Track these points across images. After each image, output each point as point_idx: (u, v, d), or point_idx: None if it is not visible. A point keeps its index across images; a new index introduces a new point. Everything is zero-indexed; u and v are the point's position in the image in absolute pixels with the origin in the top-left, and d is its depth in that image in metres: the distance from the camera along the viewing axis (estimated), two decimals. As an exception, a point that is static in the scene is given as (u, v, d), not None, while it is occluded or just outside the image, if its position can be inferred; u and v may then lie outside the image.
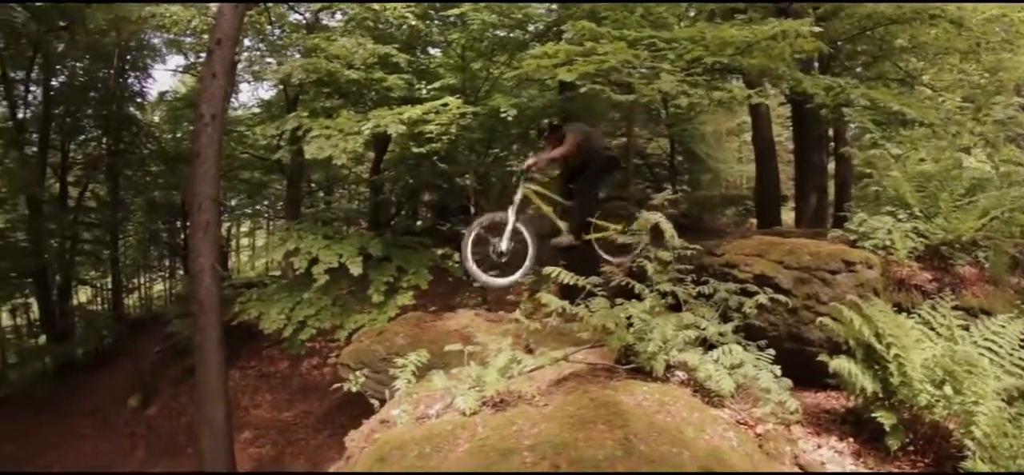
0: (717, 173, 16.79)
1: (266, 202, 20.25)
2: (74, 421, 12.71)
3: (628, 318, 4.20)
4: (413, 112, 8.05)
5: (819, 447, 3.83)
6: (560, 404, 3.52)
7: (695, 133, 15.54)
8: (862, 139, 10.09)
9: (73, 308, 17.72)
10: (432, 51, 12.04)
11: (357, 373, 6.03)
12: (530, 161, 6.60)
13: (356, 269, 8.34)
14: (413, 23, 9.75)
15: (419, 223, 15.55)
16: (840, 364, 3.81)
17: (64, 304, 17.09)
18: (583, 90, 7.27)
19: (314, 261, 8.42)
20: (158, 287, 22.04)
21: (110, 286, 19.24)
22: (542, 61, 6.90)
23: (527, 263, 6.49)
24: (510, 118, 8.92)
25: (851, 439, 3.91)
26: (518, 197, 6.46)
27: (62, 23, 15.83)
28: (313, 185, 18.38)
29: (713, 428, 3.32)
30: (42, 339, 17.04)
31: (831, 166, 11.61)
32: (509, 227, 6.37)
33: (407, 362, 4.80)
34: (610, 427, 3.06)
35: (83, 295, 19.71)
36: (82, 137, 18.42)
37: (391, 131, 8.02)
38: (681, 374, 4.20)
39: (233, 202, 19.12)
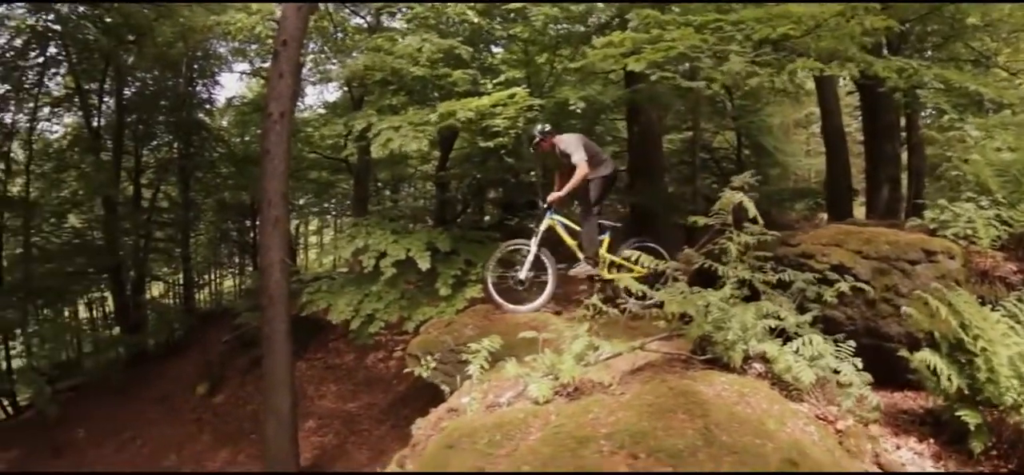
0: (785, 167, 16.36)
1: (333, 201, 20.69)
2: (144, 406, 13.21)
3: (706, 306, 4.08)
4: (481, 102, 8.10)
5: (898, 447, 3.67)
6: (637, 393, 3.43)
7: (762, 125, 15.14)
8: (937, 123, 9.73)
9: (146, 302, 18.60)
10: (495, 49, 12.04)
11: (426, 359, 6.07)
12: (553, 196, 6.80)
13: (424, 263, 8.35)
14: (475, 20, 9.79)
15: (486, 219, 15.53)
16: (923, 358, 3.63)
17: (137, 298, 17.93)
18: (654, 78, 6.98)
19: (382, 255, 8.45)
20: (228, 283, 22.87)
21: (181, 282, 20.08)
22: (609, 50, 6.81)
23: (547, 291, 6.72)
24: (579, 110, 8.87)
25: (932, 439, 3.73)
26: (542, 228, 6.78)
27: (131, 36, 16.45)
28: (379, 184, 18.64)
29: (793, 421, 3.22)
30: (116, 331, 17.87)
31: (903, 157, 11.20)
32: (531, 256, 6.67)
33: (480, 347, 4.79)
34: (690, 416, 2.99)
35: (156, 290, 20.65)
36: (154, 143, 19.23)
37: (460, 117, 8.09)
38: (758, 366, 4.05)
39: (301, 201, 19.69)
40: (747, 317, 3.98)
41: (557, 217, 6.87)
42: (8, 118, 16.94)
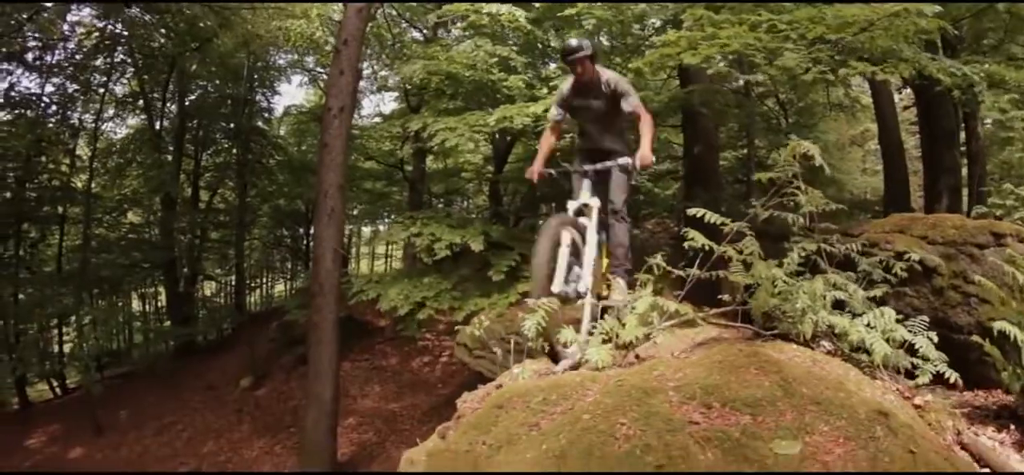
0: (841, 185, 15.83)
1: (387, 211, 20.96)
2: (188, 395, 13.54)
3: (773, 279, 3.86)
4: (536, 108, 8.12)
5: (976, 435, 3.51)
6: (706, 354, 3.30)
7: (817, 142, 14.85)
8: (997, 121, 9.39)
9: (197, 299, 19.06)
10: (550, 64, 12.06)
11: (474, 351, 6.02)
12: (641, 157, 4.64)
13: (477, 245, 8.35)
14: (527, 27, 9.80)
15: (540, 222, 15.27)
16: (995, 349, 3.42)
17: (189, 294, 18.45)
18: (710, 71, 6.87)
19: (436, 240, 8.39)
20: (279, 288, 23.33)
21: (233, 283, 20.51)
22: (665, 50, 6.77)
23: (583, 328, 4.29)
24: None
25: (1012, 427, 3.44)
26: (593, 206, 4.75)
27: (195, 44, 17.01)
28: (433, 197, 18.74)
29: (871, 388, 3.08)
30: (166, 324, 18.34)
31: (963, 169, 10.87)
32: (589, 250, 4.50)
33: (537, 306, 4.49)
34: (763, 372, 2.83)
35: (208, 289, 21.14)
36: (213, 148, 19.81)
37: (516, 123, 8.10)
38: (827, 344, 3.83)
39: (355, 211, 19.79)
40: (815, 287, 3.78)
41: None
42: (75, 117, 17.87)
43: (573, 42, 4.95)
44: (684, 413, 2.49)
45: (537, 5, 9.73)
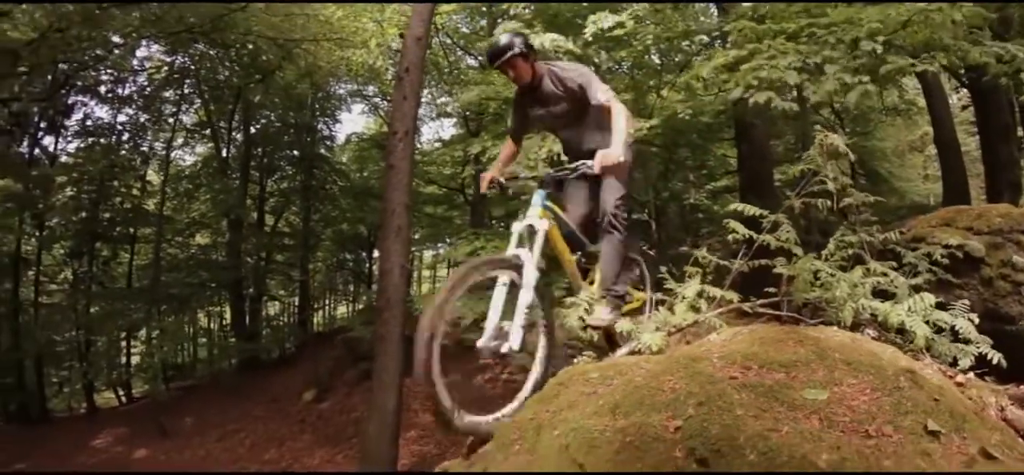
0: (902, 193, 15.73)
1: (448, 236, 21.50)
2: (251, 406, 14.10)
3: (815, 271, 4.00)
4: None
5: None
6: (748, 333, 3.44)
7: (875, 150, 14.78)
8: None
9: (262, 318, 19.85)
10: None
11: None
12: (603, 158, 3.83)
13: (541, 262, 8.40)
14: (578, 53, 10.01)
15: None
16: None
17: (254, 313, 19.25)
18: (751, 101, 6.77)
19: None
20: (341, 309, 23.98)
21: (297, 303, 21.25)
22: (715, 69, 6.93)
23: (531, 377, 3.77)
24: (687, 118, 8.82)
25: None
26: (537, 224, 3.85)
27: (258, 76, 17.85)
28: (494, 221, 19.13)
29: (907, 361, 3.22)
30: (232, 340, 19.20)
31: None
32: (525, 293, 3.54)
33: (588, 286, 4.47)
34: (801, 344, 3.02)
35: (272, 308, 21.94)
36: (278, 174, 20.74)
37: None
38: (871, 332, 3.88)
39: (417, 235, 20.34)
40: (855, 275, 3.93)
41: (552, 205, 4.07)
42: (146, 145, 19.49)
43: (500, 41, 4.19)
44: (725, 372, 2.72)
45: (588, 36, 9.81)
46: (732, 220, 4.18)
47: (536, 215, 3.86)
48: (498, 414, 3.54)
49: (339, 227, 20.85)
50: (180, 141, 20.23)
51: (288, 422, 12.99)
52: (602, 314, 4.16)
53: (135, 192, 19.57)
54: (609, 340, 4.44)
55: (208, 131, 19.77)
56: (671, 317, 4.05)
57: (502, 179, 4.48)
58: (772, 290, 4.28)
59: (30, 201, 17.65)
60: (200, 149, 20.92)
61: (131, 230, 19.42)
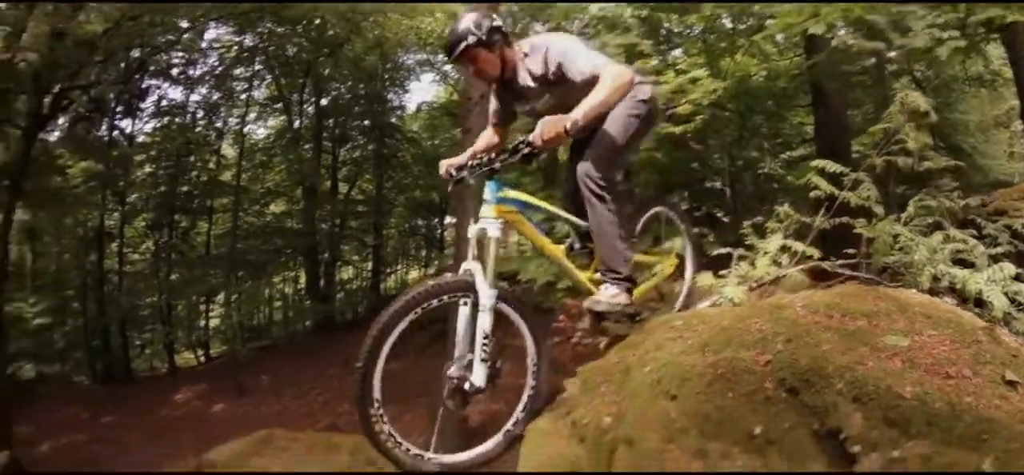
0: (986, 171, 14.60)
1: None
2: (326, 365, 14.58)
3: (895, 236, 4.01)
4: (664, 87, 8.20)
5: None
6: (828, 289, 3.54)
7: (958, 123, 14.04)
8: None
9: (336, 282, 20.52)
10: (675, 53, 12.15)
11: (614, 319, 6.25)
12: (549, 128, 3.06)
13: (662, 233, 8.36)
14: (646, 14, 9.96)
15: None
16: None
17: (329, 277, 19.97)
18: (834, 41, 6.60)
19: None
20: (413, 274, 24.51)
21: (370, 268, 21.87)
22: (789, 19, 6.79)
23: (523, 400, 3.44)
24: (761, 78, 8.59)
25: None
26: (480, 229, 3.26)
27: (327, 50, 18.30)
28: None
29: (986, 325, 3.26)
30: (307, 303, 19.99)
31: None
32: (484, 315, 3.10)
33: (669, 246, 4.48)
34: (881, 299, 3.06)
35: (346, 273, 22.58)
36: (350, 143, 21.24)
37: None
38: (949, 300, 3.76)
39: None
40: (934, 241, 3.92)
41: (513, 195, 3.44)
42: (219, 122, 20.28)
43: (457, 29, 3.42)
44: (809, 318, 2.81)
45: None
46: (814, 175, 4.12)
47: (489, 214, 3.21)
48: (476, 452, 3.31)
49: (412, 194, 21.28)
50: (253, 116, 20.99)
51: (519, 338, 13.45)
52: (602, 295, 3.53)
53: (211, 166, 20.60)
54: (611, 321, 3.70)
55: (280, 105, 20.43)
56: (752, 271, 4.09)
57: (453, 170, 3.68)
58: (851, 251, 4.25)
59: (111, 179, 19.06)
60: (273, 122, 21.65)
61: (208, 202, 20.50)
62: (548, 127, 3.02)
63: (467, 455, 3.29)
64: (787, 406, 2.31)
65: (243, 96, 20.38)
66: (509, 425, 3.38)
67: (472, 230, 3.23)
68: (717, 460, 2.21)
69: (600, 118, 3.39)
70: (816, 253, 4.17)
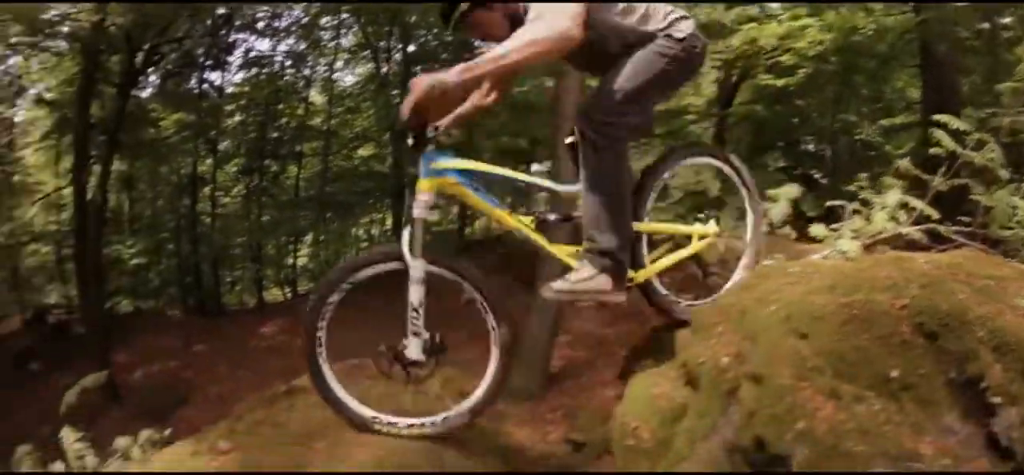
0: None
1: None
2: (404, 304, 14.82)
3: (1014, 209, 3.83)
4: (778, 29, 7.77)
5: None
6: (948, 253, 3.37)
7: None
8: None
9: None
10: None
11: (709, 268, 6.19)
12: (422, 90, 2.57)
13: (714, 188, 8.21)
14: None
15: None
16: None
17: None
18: None
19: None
20: (494, 225, 24.92)
21: (456, 212, 22.35)
22: None
23: (487, 378, 3.32)
24: (870, 32, 8.19)
25: None
26: (419, 204, 2.99)
27: (413, -3, 18.59)
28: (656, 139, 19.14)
29: None
30: (393, 244, 20.76)
31: None
32: (414, 290, 3.04)
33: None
34: (1003, 266, 2.99)
35: (431, 217, 23.06)
36: None
37: (762, 42, 7.70)
38: None
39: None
40: None
41: (451, 164, 3.08)
42: (306, 70, 21.00)
43: None
44: (936, 272, 2.72)
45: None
46: (937, 130, 3.89)
47: (418, 192, 2.96)
48: (416, 421, 3.18)
49: (499, 140, 21.40)
50: (340, 64, 21.52)
51: (445, 317, 13.78)
52: (569, 276, 3.06)
53: (299, 113, 21.41)
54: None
55: (367, 53, 20.77)
56: (867, 226, 3.89)
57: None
58: (966, 218, 4.08)
59: (203, 129, 20.34)
60: (360, 69, 22.06)
61: (297, 147, 21.31)
62: (416, 84, 2.56)
63: (406, 421, 3.17)
64: (924, 351, 2.29)
65: (330, 45, 20.94)
66: (458, 408, 3.26)
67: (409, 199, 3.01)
68: (850, 402, 2.20)
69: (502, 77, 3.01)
70: (934, 214, 3.94)
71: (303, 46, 20.87)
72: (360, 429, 3.12)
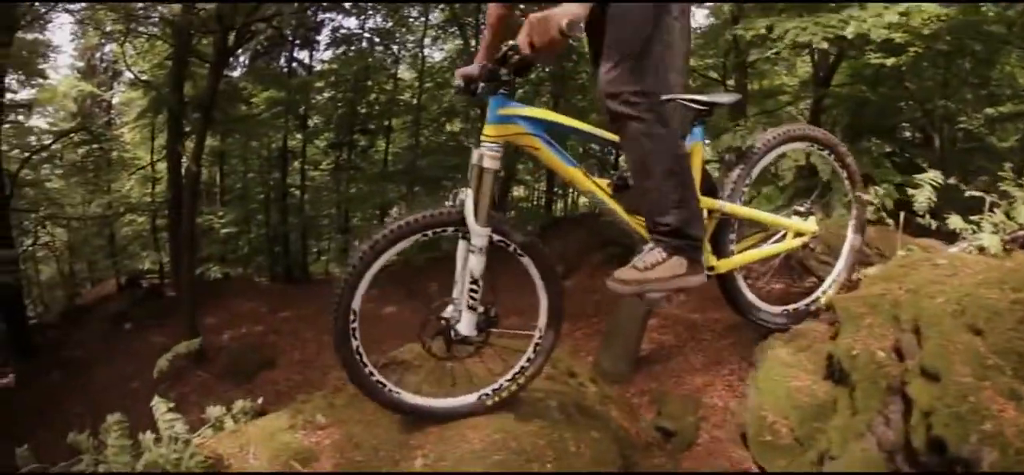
0: None
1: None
2: (495, 277, 14.93)
3: None
4: (891, 15, 7.37)
5: None
6: None
7: None
8: None
9: (510, 199, 21.83)
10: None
11: (820, 256, 5.93)
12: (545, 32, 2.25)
13: (826, 171, 7.66)
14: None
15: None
16: None
17: (503, 194, 21.05)
18: None
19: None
20: (583, 200, 25.06)
21: (544, 187, 22.51)
22: None
23: (527, 356, 2.98)
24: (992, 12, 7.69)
25: None
26: (481, 161, 2.59)
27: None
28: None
29: None
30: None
31: None
32: (475, 256, 2.65)
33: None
34: None
35: (519, 192, 23.42)
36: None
37: (873, 36, 7.13)
38: None
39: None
40: None
41: (522, 112, 2.69)
42: (395, 47, 21.48)
43: None
44: None
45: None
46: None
47: (485, 138, 2.58)
48: (453, 402, 2.88)
49: (588, 117, 21.26)
50: (429, 40, 21.77)
51: (532, 294, 13.82)
52: (636, 262, 2.65)
53: (387, 88, 21.83)
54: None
55: (454, 28, 20.86)
56: (1007, 223, 3.57)
57: (460, 80, 2.96)
58: None
59: (293, 105, 21.18)
60: (448, 46, 22.31)
61: (386, 122, 21.87)
62: (536, 27, 2.25)
63: (443, 403, 2.86)
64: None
65: (419, 21, 21.27)
66: (496, 384, 2.89)
67: (473, 154, 2.59)
68: (1034, 404, 2.03)
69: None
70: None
71: (390, 24, 21.29)
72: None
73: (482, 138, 2.56)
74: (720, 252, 3.04)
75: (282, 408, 3.24)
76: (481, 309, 2.68)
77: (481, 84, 2.62)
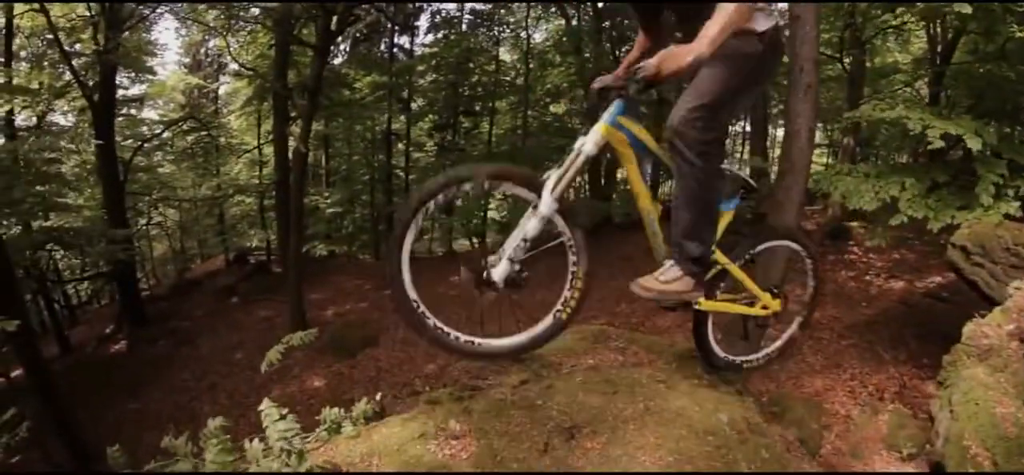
0: None
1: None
2: (601, 261, 14.66)
3: None
4: None
5: None
6: None
7: None
8: None
9: (617, 181, 21.13)
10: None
11: (973, 257, 5.31)
12: (653, 63, 2.57)
13: (975, 143, 6.74)
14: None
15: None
16: None
17: (610, 176, 21.06)
18: None
19: (928, 127, 7.00)
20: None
21: (649, 171, 22.09)
22: None
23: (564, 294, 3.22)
24: None
25: None
26: (587, 146, 2.85)
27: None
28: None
29: None
30: (584, 199, 21.27)
31: None
32: (537, 218, 2.86)
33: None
34: None
35: (619, 173, 23.44)
36: (628, 45, 21.06)
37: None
38: None
39: (774, 111, 20.50)
40: None
41: (631, 126, 2.92)
42: (496, 29, 21.46)
43: None
44: None
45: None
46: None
47: (596, 130, 2.84)
48: (526, 336, 3.19)
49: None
50: (531, 22, 21.56)
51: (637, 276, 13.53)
52: (658, 274, 3.01)
53: (489, 69, 21.90)
54: (697, 328, 3.51)
55: (554, 9, 20.73)
56: None
57: (596, 88, 3.17)
58: None
59: (396, 89, 21.76)
60: (550, 26, 22.14)
61: (490, 104, 22.04)
62: (668, 60, 2.51)
63: (515, 339, 3.13)
64: None
65: (519, 4, 21.22)
66: (559, 305, 3.19)
67: (579, 140, 2.88)
68: None
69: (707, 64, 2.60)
70: None
71: (489, 6, 21.37)
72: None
73: (593, 131, 2.83)
74: (709, 295, 3.35)
75: (408, 411, 2.99)
76: (517, 266, 2.87)
77: (613, 91, 2.93)
